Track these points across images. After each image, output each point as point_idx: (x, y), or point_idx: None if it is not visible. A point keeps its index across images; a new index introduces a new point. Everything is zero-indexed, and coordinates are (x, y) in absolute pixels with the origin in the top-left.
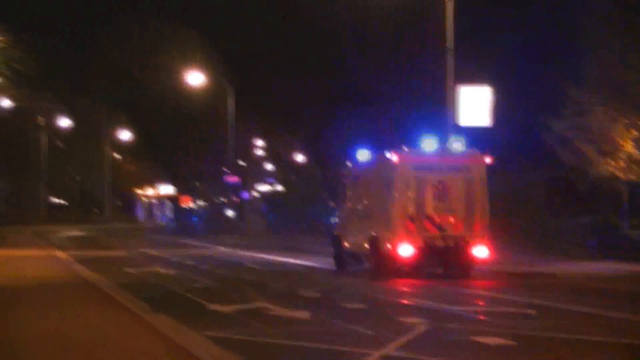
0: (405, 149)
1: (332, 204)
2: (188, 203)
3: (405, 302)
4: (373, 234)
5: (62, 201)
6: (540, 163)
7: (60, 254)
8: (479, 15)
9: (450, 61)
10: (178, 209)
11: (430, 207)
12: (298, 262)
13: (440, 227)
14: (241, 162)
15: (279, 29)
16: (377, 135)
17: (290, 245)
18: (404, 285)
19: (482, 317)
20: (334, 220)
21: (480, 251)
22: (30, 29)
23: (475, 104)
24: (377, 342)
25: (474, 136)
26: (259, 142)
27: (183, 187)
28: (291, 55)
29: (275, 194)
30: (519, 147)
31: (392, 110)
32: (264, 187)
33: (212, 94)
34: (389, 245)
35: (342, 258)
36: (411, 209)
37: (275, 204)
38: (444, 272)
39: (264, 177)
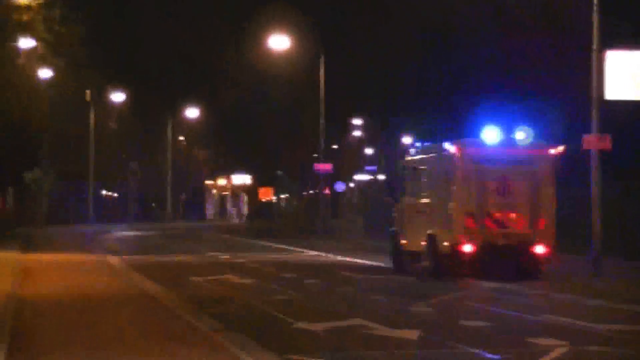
0: (467, 140)
1: (388, 198)
2: (269, 196)
3: (530, 317)
4: (431, 231)
5: (115, 195)
6: None
7: (113, 259)
8: None
9: (595, 19)
10: (256, 204)
11: (491, 203)
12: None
13: (502, 225)
14: (335, 146)
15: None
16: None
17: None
18: (524, 297)
19: (626, 337)
20: (393, 215)
21: (543, 250)
22: None
23: (627, 73)
24: None
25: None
26: (357, 122)
27: (263, 177)
28: (392, 21)
29: (374, 184)
30: None
31: (522, 81)
32: (363, 177)
33: (299, 63)
34: (446, 243)
35: (399, 257)
36: (471, 205)
37: (375, 197)
38: (507, 273)
39: (362, 164)
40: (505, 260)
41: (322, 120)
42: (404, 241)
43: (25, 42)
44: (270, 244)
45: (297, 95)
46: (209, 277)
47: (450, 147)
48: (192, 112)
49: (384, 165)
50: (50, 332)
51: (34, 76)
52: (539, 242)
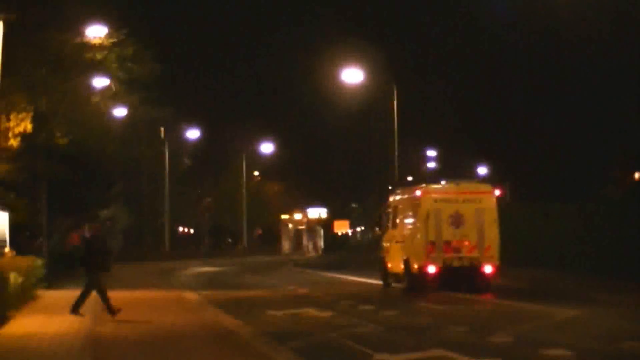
0: (428, 185)
1: (377, 231)
2: (345, 229)
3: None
4: (405, 256)
5: (189, 230)
6: None
7: (189, 295)
8: None
9: None
10: (332, 237)
11: (448, 233)
12: (486, 297)
13: (456, 250)
14: (409, 178)
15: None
16: None
17: None
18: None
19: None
20: (381, 244)
21: (489, 270)
22: (148, 23)
23: None
24: None
25: None
26: (431, 153)
27: (338, 211)
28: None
29: None
30: None
31: None
32: None
33: (372, 96)
34: (416, 266)
35: (386, 277)
36: (432, 235)
37: None
38: (464, 288)
39: None
40: (460, 277)
41: (395, 152)
42: (389, 265)
43: (99, 81)
44: (347, 276)
45: (371, 128)
46: (287, 311)
47: (416, 191)
48: (266, 147)
49: None
50: None
51: (107, 114)
52: (486, 263)
